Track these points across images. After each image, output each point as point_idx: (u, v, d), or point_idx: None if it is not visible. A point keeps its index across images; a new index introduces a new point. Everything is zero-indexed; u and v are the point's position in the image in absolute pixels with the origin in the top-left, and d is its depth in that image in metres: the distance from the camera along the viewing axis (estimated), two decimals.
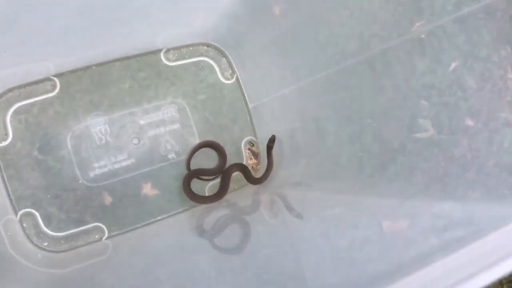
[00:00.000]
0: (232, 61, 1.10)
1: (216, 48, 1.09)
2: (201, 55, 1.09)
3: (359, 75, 0.80)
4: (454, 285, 0.41)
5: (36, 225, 0.94)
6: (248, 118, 1.11)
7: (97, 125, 1.00)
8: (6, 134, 0.94)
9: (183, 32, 1.04)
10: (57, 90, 0.98)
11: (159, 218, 1.01)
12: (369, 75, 0.78)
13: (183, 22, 1.00)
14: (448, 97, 0.65)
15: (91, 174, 0.98)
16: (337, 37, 0.84)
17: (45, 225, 0.94)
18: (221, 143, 1.08)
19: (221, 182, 1.05)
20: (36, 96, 0.96)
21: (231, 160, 1.08)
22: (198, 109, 1.07)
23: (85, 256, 0.93)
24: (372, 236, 0.62)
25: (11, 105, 0.95)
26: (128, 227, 0.99)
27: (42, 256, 0.92)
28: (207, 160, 1.07)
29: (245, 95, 1.11)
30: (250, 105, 1.11)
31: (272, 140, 1.01)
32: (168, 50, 1.06)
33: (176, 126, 1.06)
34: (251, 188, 1.06)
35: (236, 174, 1.07)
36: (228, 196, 1.06)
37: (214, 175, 1.06)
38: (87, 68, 1.00)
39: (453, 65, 0.64)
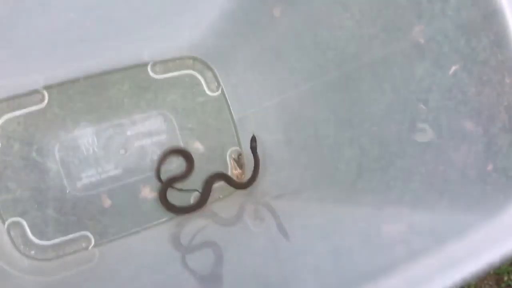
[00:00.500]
0: (217, 74, 1.13)
1: (202, 62, 1.13)
2: (187, 68, 1.12)
3: (348, 87, 0.83)
4: None
5: (23, 234, 0.95)
6: (233, 129, 1.14)
7: (85, 136, 1.02)
8: None
9: (170, 46, 1.07)
10: (45, 102, 1.00)
11: (145, 226, 1.03)
12: (355, 89, 0.81)
13: (170, 37, 1.03)
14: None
15: (79, 184, 1.00)
16: (325, 49, 0.87)
17: (32, 233, 0.96)
18: (207, 154, 1.11)
19: (202, 191, 1.07)
20: (24, 108, 0.98)
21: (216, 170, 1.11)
22: (183, 120, 1.10)
23: (72, 264, 0.94)
24: (356, 245, 0.65)
25: None
26: (114, 235, 1.01)
27: (29, 265, 0.94)
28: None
29: (230, 107, 1.14)
30: (235, 117, 1.14)
31: (253, 139, 1.03)
32: (155, 63, 1.09)
33: (163, 137, 1.08)
34: (236, 197, 1.09)
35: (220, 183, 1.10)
36: (213, 206, 1.08)
37: (186, 178, 1.07)
38: (75, 80, 1.02)
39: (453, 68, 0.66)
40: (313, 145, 0.94)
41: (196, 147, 1.10)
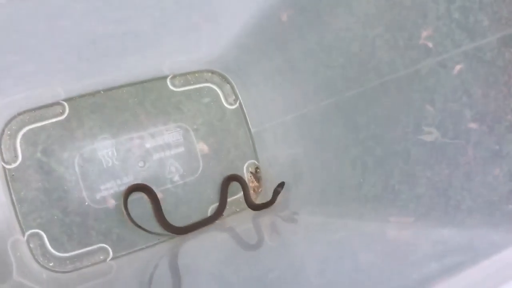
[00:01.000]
0: (235, 87, 1.14)
1: (220, 75, 1.14)
2: (206, 81, 1.13)
3: (364, 104, 0.83)
4: None
5: (42, 245, 0.95)
6: (251, 143, 1.15)
7: (104, 149, 1.03)
8: (16, 156, 0.96)
9: (190, 60, 1.08)
10: (66, 114, 1.01)
11: (163, 239, 1.03)
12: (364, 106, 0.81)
13: (190, 50, 1.04)
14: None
15: (97, 196, 1.00)
16: (341, 67, 0.87)
17: (51, 245, 0.96)
18: (224, 166, 1.11)
19: (219, 198, 1.08)
20: (46, 119, 0.99)
21: (232, 185, 1.11)
22: (201, 133, 1.11)
23: (89, 276, 0.94)
24: (376, 260, 0.64)
25: (21, 128, 0.97)
26: (132, 248, 1.01)
27: (47, 276, 0.94)
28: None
29: (248, 120, 1.15)
30: (252, 130, 1.14)
31: (281, 185, 1.03)
32: (174, 76, 1.10)
33: (181, 149, 1.09)
34: (252, 211, 1.09)
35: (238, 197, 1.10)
36: (229, 219, 1.08)
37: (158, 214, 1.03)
38: (95, 92, 1.03)
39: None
40: (333, 160, 0.94)
41: (213, 161, 1.11)
